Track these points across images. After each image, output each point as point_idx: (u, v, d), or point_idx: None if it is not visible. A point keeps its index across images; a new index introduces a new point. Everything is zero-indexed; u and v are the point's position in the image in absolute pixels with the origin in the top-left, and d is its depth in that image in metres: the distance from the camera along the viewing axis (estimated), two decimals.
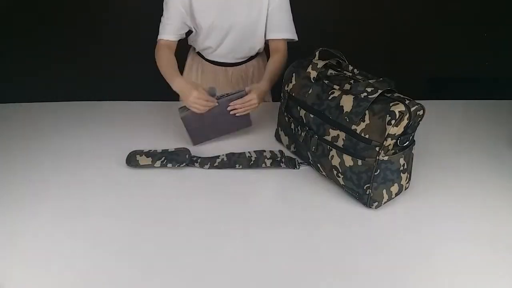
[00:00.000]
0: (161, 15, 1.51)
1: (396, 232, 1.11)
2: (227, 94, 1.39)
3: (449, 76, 2.42)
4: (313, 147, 1.22)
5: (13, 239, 1.06)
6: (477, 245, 1.07)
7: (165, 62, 1.49)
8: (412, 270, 1.00)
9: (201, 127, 1.39)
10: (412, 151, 1.17)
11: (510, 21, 2.51)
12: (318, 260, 1.02)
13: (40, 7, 2.45)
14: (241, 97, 1.37)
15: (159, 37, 1.53)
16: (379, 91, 1.09)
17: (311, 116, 1.22)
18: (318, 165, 1.24)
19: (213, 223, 1.12)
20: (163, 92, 1.67)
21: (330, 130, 1.17)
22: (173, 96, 1.73)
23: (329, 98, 1.18)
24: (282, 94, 1.35)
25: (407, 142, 1.12)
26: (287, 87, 1.31)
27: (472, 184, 1.29)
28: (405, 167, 1.15)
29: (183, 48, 1.68)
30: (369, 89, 1.11)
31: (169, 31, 1.51)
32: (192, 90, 1.32)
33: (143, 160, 1.31)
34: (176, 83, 1.41)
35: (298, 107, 1.26)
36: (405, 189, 1.21)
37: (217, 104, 1.36)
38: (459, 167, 1.36)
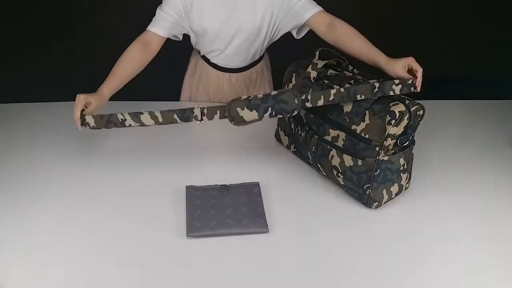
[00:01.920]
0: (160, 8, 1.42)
1: (396, 232, 1.11)
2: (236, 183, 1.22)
3: (449, 76, 2.42)
4: (313, 147, 1.22)
5: (13, 239, 1.06)
6: (477, 245, 1.07)
7: (122, 62, 1.36)
8: (412, 270, 1.00)
9: (204, 207, 1.14)
10: (412, 151, 1.17)
11: (510, 21, 2.51)
12: (318, 260, 1.02)
13: (40, 7, 2.44)
14: (250, 186, 1.21)
15: (148, 27, 1.42)
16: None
17: (311, 116, 1.22)
18: (318, 165, 1.24)
19: None
20: (163, 92, 1.66)
21: (330, 130, 1.17)
22: (173, 96, 1.73)
23: None
24: None
25: (407, 142, 1.12)
26: (287, 87, 1.31)
27: (472, 184, 1.29)
28: (405, 167, 1.15)
29: (184, 50, 1.67)
30: None
31: (160, 25, 1.41)
32: (86, 98, 1.22)
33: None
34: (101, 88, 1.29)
35: None
36: (405, 189, 1.21)
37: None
38: (459, 167, 1.36)
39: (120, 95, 1.54)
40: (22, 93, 1.64)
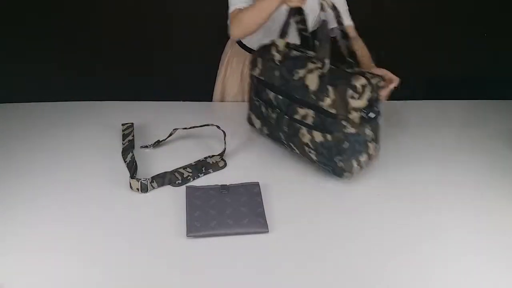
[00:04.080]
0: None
1: (396, 232, 1.10)
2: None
3: (449, 76, 2.40)
4: (285, 127, 1.26)
5: (13, 239, 1.05)
6: (477, 245, 1.06)
7: (250, 8, 1.36)
8: (419, 274, 0.99)
9: (204, 207, 1.14)
10: (379, 122, 1.19)
11: (509, 21, 2.47)
12: (318, 260, 1.02)
13: (40, 6, 2.43)
14: (250, 186, 1.21)
15: (232, 7, 1.41)
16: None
17: (280, 97, 1.25)
18: (291, 143, 1.27)
19: None
20: (164, 92, 1.70)
21: (298, 109, 1.21)
22: (173, 96, 1.71)
23: (295, 78, 1.21)
24: (250, 80, 1.38)
25: (373, 114, 1.15)
26: (254, 72, 1.34)
27: (472, 184, 1.27)
28: (373, 137, 1.18)
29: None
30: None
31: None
32: None
33: None
34: None
35: (267, 90, 1.29)
36: (375, 158, 1.23)
37: None
38: (459, 167, 1.34)
39: (120, 95, 1.55)
40: (22, 93, 1.64)
